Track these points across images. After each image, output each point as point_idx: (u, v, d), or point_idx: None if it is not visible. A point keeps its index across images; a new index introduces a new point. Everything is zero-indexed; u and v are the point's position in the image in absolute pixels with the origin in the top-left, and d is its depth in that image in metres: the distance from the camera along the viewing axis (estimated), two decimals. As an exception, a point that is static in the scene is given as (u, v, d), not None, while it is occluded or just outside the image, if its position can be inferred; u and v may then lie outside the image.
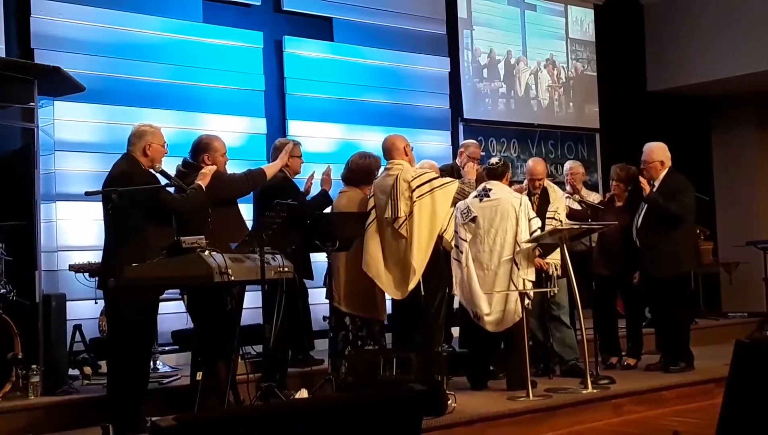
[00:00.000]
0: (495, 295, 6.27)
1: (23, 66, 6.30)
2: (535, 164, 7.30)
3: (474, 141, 8.16)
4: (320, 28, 8.84)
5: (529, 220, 6.39)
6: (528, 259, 6.36)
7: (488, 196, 6.41)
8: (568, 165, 8.01)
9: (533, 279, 6.37)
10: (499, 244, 6.33)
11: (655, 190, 7.01)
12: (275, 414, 2.08)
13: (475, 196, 6.44)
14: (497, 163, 6.67)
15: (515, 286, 6.21)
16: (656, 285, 7.04)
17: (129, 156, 5.37)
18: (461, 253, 6.38)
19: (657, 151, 7.13)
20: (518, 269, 6.27)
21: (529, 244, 6.34)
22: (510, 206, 6.37)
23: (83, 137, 7.18)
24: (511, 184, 6.93)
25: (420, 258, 6.01)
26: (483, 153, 9.48)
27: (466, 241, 6.38)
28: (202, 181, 5.43)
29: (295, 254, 5.69)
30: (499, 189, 6.46)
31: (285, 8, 8.58)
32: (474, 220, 6.40)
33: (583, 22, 11.17)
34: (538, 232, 6.40)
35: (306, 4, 8.72)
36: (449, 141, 9.55)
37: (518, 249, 6.29)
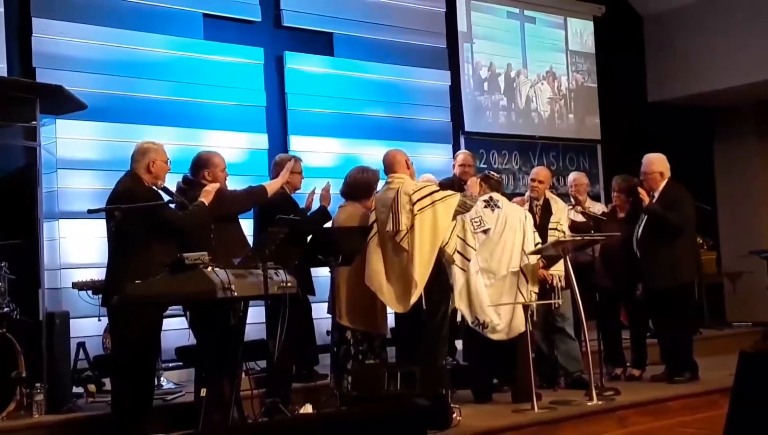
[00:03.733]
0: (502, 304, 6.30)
1: (25, 85, 6.32)
2: (539, 168, 7.48)
3: (462, 150, 8.27)
4: (321, 43, 8.86)
5: (533, 232, 6.45)
6: (533, 273, 6.39)
7: (498, 207, 6.45)
8: (571, 176, 8.03)
9: (537, 291, 6.40)
10: (507, 255, 6.37)
11: (654, 201, 7.02)
12: (280, 430, 2.09)
13: (486, 207, 6.46)
14: (495, 175, 6.77)
15: (524, 297, 6.24)
16: (657, 296, 7.03)
17: (133, 173, 5.38)
18: (468, 261, 6.38)
19: (656, 162, 7.15)
20: (527, 282, 6.31)
21: (535, 257, 6.37)
22: (517, 218, 6.46)
23: (85, 155, 7.19)
24: (513, 196, 6.97)
25: (422, 271, 6.00)
26: (484, 165, 9.53)
27: (475, 249, 6.38)
28: (206, 198, 5.44)
29: (296, 270, 5.69)
30: (504, 201, 6.53)
31: (285, 24, 8.60)
32: (486, 231, 6.42)
33: (582, 34, 11.19)
34: (539, 246, 6.44)
35: (306, 20, 8.74)
36: (450, 154, 9.52)
37: (525, 261, 6.32)
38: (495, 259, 6.38)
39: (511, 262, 6.35)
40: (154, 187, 5.35)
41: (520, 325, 6.25)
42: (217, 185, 5.60)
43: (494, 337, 6.32)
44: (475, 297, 6.35)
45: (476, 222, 6.42)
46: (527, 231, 6.42)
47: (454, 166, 7.79)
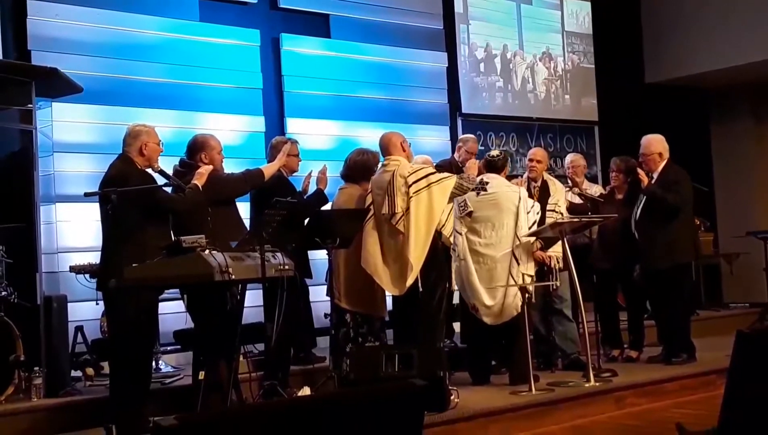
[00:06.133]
0: (495, 287, 6.28)
1: (21, 68, 6.29)
2: (536, 149, 7.49)
3: (472, 136, 8.20)
4: (317, 24, 8.83)
5: (527, 213, 6.41)
6: (527, 254, 6.36)
7: (485, 190, 6.40)
8: (569, 158, 8.02)
9: (532, 273, 6.38)
10: (497, 238, 6.34)
11: (653, 182, 7.00)
12: (278, 412, 2.08)
13: (473, 190, 6.43)
14: (498, 155, 6.70)
15: (514, 280, 6.22)
16: (655, 277, 7.04)
17: (125, 156, 5.36)
18: (457, 245, 6.39)
19: (655, 143, 7.13)
20: (518, 264, 6.28)
21: (529, 239, 6.35)
22: (509, 200, 6.39)
23: (82, 138, 7.17)
24: (510, 178, 6.93)
25: (417, 254, 5.99)
26: (482, 147, 9.51)
27: (461, 234, 6.39)
28: (199, 180, 5.43)
29: (294, 252, 5.69)
30: (497, 182, 6.47)
31: (282, 5, 8.58)
32: (470, 214, 6.40)
33: (579, 14, 11.16)
34: (536, 224, 6.42)
35: (302, 1, 8.71)
36: (448, 136, 9.54)
37: (518, 243, 6.30)
38: (484, 242, 6.36)
39: (502, 245, 6.33)
40: (148, 170, 5.34)
41: (512, 308, 6.24)
42: (210, 167, 5.59)
43: (486, 320, 6.33)
44: (467, 280, 6.35)
45: (462, 206, 6.42)
46: (521, 213, 6.37)
47: (459, 148, 7.73)
